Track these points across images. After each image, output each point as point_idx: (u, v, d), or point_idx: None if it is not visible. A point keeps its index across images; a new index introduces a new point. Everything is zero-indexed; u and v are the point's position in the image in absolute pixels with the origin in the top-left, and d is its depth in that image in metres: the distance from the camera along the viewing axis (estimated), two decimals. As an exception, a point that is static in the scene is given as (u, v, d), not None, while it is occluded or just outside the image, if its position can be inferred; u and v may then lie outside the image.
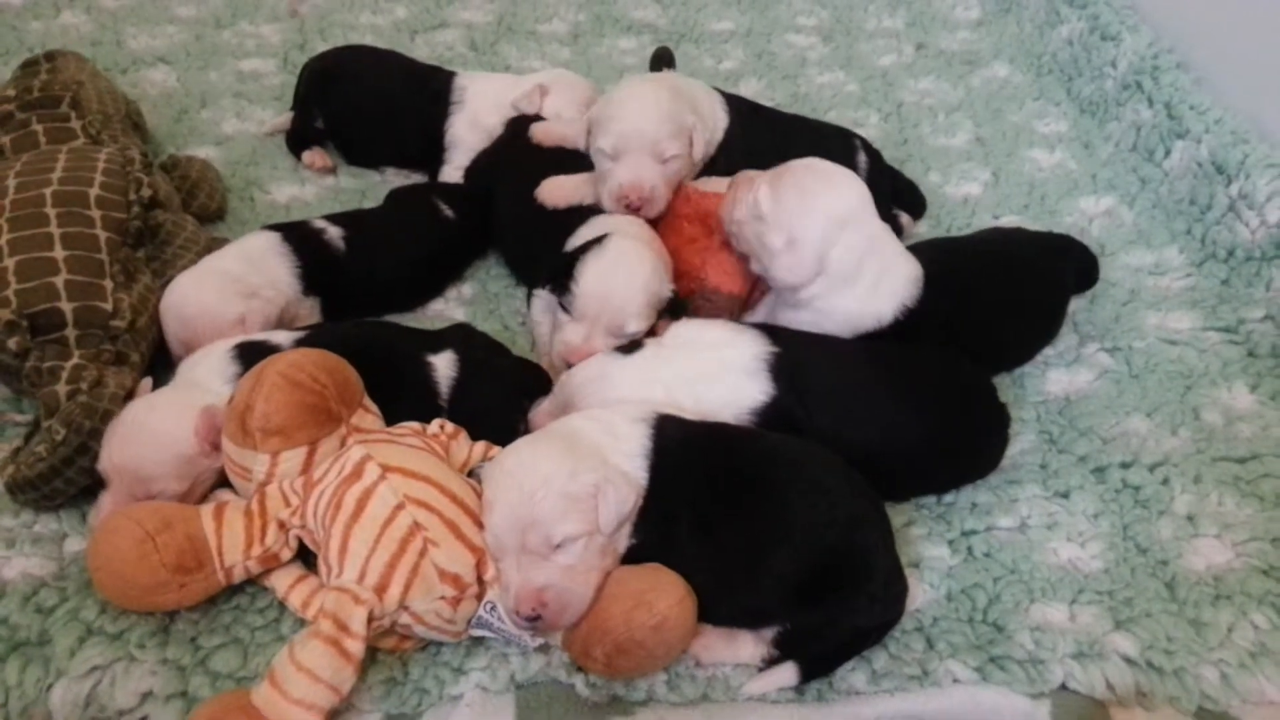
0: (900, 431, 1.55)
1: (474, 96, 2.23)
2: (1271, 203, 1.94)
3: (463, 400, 1.61)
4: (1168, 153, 2.24)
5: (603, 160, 1.86)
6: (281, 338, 1.60)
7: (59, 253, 1.61)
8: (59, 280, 1.58)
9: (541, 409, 1.64)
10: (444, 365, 1.62)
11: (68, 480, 1.46)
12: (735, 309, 1.82)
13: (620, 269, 1.66)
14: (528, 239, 1.97)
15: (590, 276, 1.66)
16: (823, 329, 1.65)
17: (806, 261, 1.61)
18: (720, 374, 1.54)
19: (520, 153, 2.06)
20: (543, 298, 1.84)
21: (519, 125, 2.12)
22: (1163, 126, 2.27)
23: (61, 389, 1.50)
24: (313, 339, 1.58)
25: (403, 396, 1.56)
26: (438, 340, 1.66)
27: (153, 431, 1.45)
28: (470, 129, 2.22)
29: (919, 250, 1.75)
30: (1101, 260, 2.04)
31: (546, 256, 1.80)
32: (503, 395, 1.66)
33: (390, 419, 1.52)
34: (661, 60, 2.14)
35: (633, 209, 1.81)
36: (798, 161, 1.70)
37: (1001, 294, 1.78)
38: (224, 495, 1.50)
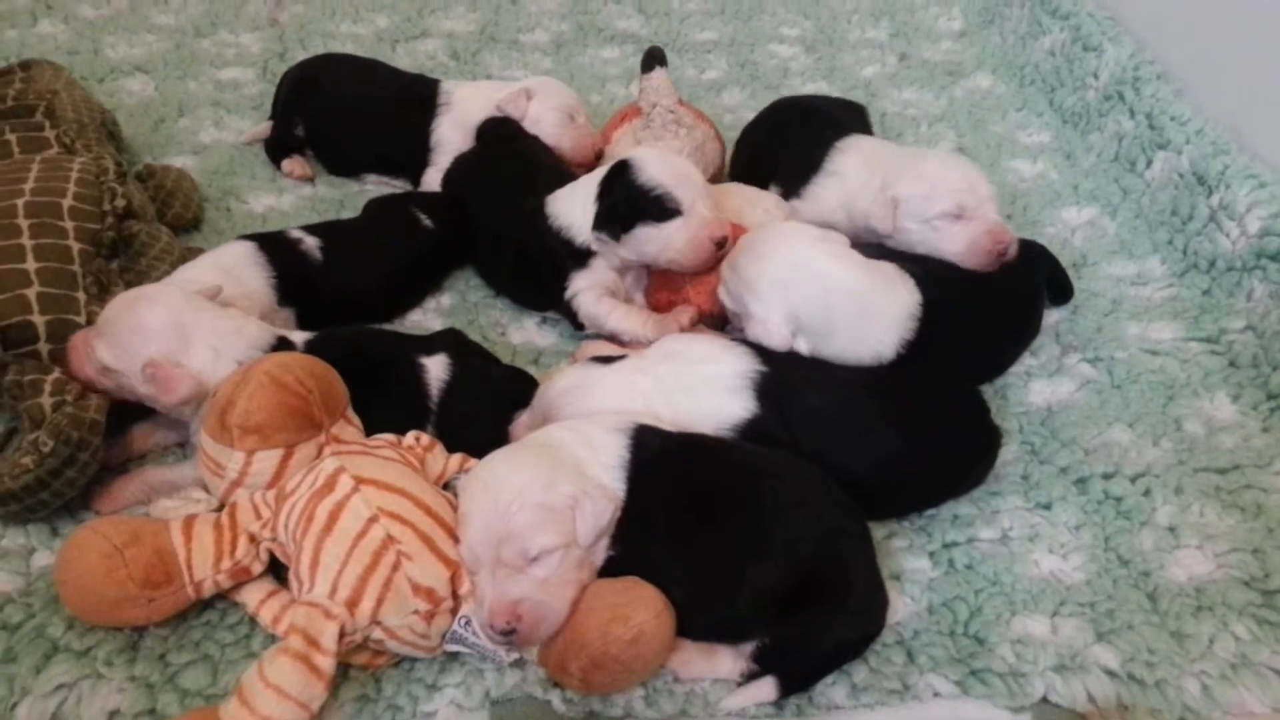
0: (888, 459, 1.52)
1: (460, 100, 2.26)
2: (1252, 213, 1.93)
3: (452, 404, 1.60)
4: (1149, 163, 2.24)
5: (928, 229, 1.78)
6: (296, 337, 1.61)
7: (31, 265, 1.59)
8: (31, 293, 1.57)
9: (521, 420, 1.62)
10: (436, 368, 1.61)
11: (54, 492, 1.44)
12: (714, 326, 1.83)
13: (671, 154, 1.85)
14: (500, 248, 1.97)
15: (656, 168, 1.75)
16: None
17: (773, 331, 1.62)
18: (701, 388, 1.53)
19: (494, 161, 2.06)
20: (593, 288, 1.84)
21: (492, 128, 2.13)
22: (1144, 137, 2.27)
23: (46, 401, 1.48)
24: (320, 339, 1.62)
25: (393, 397, 1.56)
26: (430, 343, 1.66)
27: (136, 318, 1.49)
28: (456, 130, 2.23)
29: (909, 262, 1.74)
30: (1083, 271, 2.05)
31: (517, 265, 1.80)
32: (493, 401, 1.65)
33: (380, 419, 1.51)
34: (654, 59, 2.13)
35: (999, 254, 1.75)
36: (738, 243, 1.75)
37: (992, 307, 1.77)
38: (195, 492, 1.49)
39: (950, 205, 1.75)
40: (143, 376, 1.47)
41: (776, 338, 1.62)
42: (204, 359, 1.50)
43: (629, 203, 1.73)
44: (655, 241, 1.75)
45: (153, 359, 1.47)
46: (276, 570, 1.40)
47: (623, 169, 1.76)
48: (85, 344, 1.50)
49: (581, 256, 1.83)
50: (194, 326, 1.51)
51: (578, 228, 1.81)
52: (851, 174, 1.92)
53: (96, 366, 1.49)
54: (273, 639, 1.33)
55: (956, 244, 1.75)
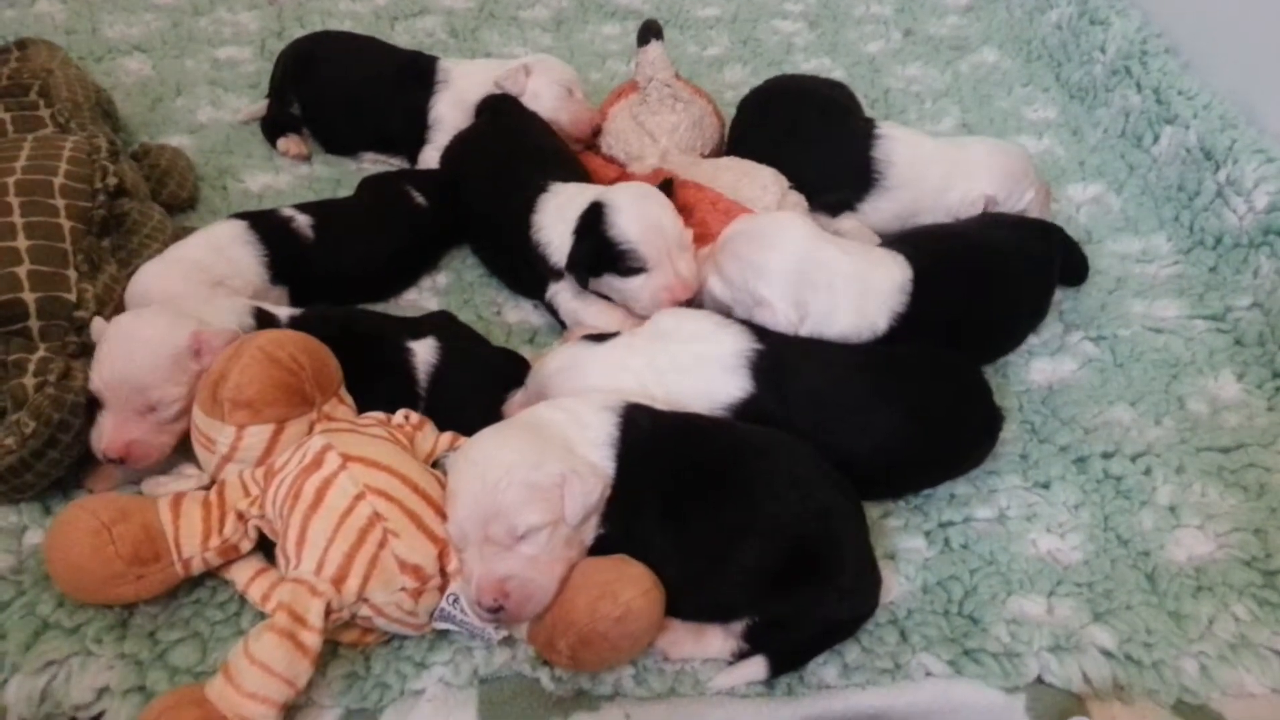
0: (886, 438, 1.50)
1: (459, 77, 2.24)
2: (1259, 189, 1.90)
3: (441, 387, 1.59)
4: (1156, 139, 2.21)
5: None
6: (281, 313, 1.61)
7: (21, 242, 1.58)
8: (21, 270, 1.55)
9: (514, 400, 1.61)
10: (424, 351, 1.60)
11: (38, 473, 1.44)
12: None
13: (651, 202, 1.75)
14: (495, 230, 1.96)
15: (627, 221, 1.71)
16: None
17: (780, 317, 1.60)
18: (696, 367, 1.51)
19: (492, 139, 2.05)
20: (571, 289, 1.83)
21: (491, 104, 2.13)
22: (1151, 112, 2.23)
23: (29, 381, 1.47)
24: (304, 317, 1.60)
25: (381, 380, 1.55)
26: (419, 327, 1.65)
27: (143, 338, 1.45)
28: (454, 107, 2.21)
29: (908, 241, 1.73)
30: (1088, 248, 2.02)
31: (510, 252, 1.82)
32: (482, 383, 1.64)
33: (367, 403, 1.50)
34: (650, 32, 2.10)
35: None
36: (729, 231, 1.71)
37: (994, 285, 1.75)
38: (187, 469, 1.49)
39: (1035, 191, 1.97)
40: (193, 358, 1.46)
41: (785, 322, 1.60)
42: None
43: (597, 253, 1.73)
44: (620, 291, 1.77)
45: (193, 331, 1.46)
46: (267, 549, 1.39)
47: (597, 215, 1.74)
48: (138, 429, 1.44)
49: (557, 274, 1.83)
50: (191, 303, 1.53)
51: (555, 248, 1.80)
52: (911, 182, 1.99)
53: (166, 416, 1.46)
54: (262, 616, 1.32)
55: (1034, 213, 1.98)
